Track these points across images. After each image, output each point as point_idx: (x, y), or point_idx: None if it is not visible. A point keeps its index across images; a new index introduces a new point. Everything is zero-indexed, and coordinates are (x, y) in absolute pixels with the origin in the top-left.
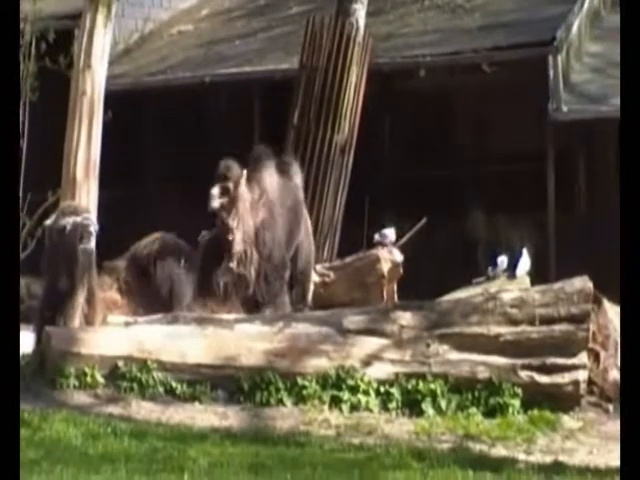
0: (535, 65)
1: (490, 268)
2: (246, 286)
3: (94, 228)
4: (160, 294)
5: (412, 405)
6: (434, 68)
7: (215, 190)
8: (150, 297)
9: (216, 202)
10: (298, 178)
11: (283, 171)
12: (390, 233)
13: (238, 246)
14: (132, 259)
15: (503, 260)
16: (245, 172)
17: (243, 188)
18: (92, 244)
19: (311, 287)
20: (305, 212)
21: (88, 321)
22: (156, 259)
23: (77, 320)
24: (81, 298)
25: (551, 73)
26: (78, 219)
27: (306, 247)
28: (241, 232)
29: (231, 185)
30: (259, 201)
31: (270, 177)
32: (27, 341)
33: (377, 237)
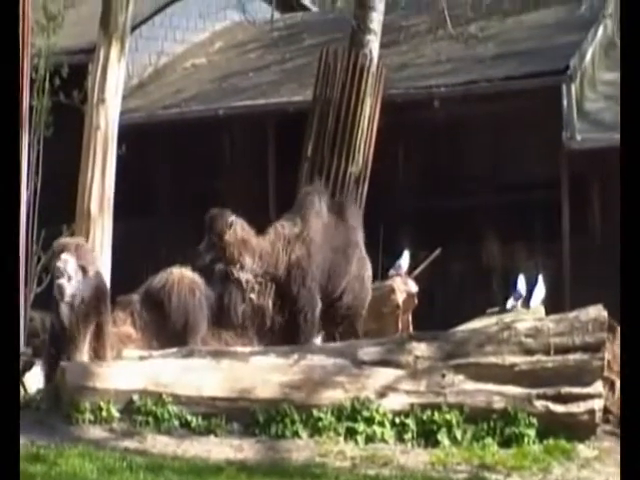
0: (549, 94)
1: (510, 299)
2: (263, 318)
3: (65, 268)
4: (175, 328)
5: (428, 436)
6: (448, 98)
7: (201, 246)
8: (165, 331)
9: (205, 258)
10: (355, 220)
11: (337, 212)
12: (405, 263)
13: (259, 278)
14: (146, 293)
15: (522, 292)
16: (232, 218)
17: (232, 233)
18: (62, 282)
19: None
20: (360, 255)
21: (98, 356)
22: (171, 292)
23: (83, 356)
24: (78, 334)
25: (565, 102)
26: (59, 259)
27: (356, 291)
28: (260, 266)
29: (215, 237)
30: (298, 237)
31: (317, 216)
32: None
33: (392, 271)
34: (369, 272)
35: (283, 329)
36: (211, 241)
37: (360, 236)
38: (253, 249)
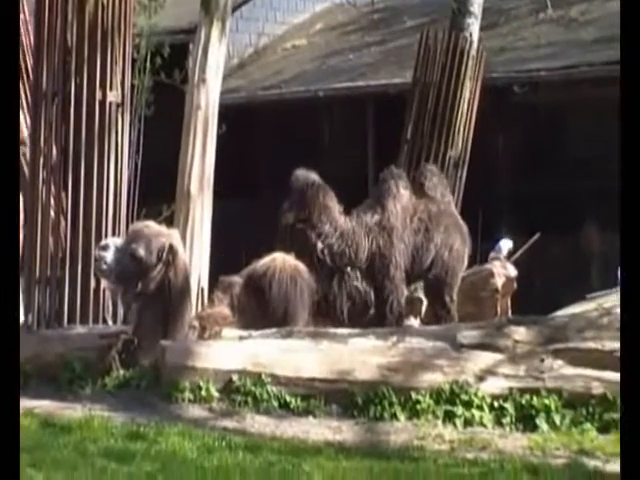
0: None
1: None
2: (367, 307)
3: (101, 263)
4: (275, 315)
5: (526, 420)
6: (548, 82)
7: (284, 205)
8: (263, 317)
9: (288, 217)
10: (436, 191)
11: (417, 190)
12: (504, 247)
13: (337, 257)
14: (249, 277)
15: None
16: (316, 180)
17: (314, 194)
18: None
19: (452, 301)
20: (449, 222)
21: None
22: (272, 279)
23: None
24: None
25: None
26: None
27: (445, 260)
28: (339, 244)
29: (296, 195)
30: (379, 225)
31: (395, 201)
32: None
33: (491, 255)
34: (461, 239)
35: (370, 319)
36: (293, 199)
37: (446, 204)
38: (334, 219)
